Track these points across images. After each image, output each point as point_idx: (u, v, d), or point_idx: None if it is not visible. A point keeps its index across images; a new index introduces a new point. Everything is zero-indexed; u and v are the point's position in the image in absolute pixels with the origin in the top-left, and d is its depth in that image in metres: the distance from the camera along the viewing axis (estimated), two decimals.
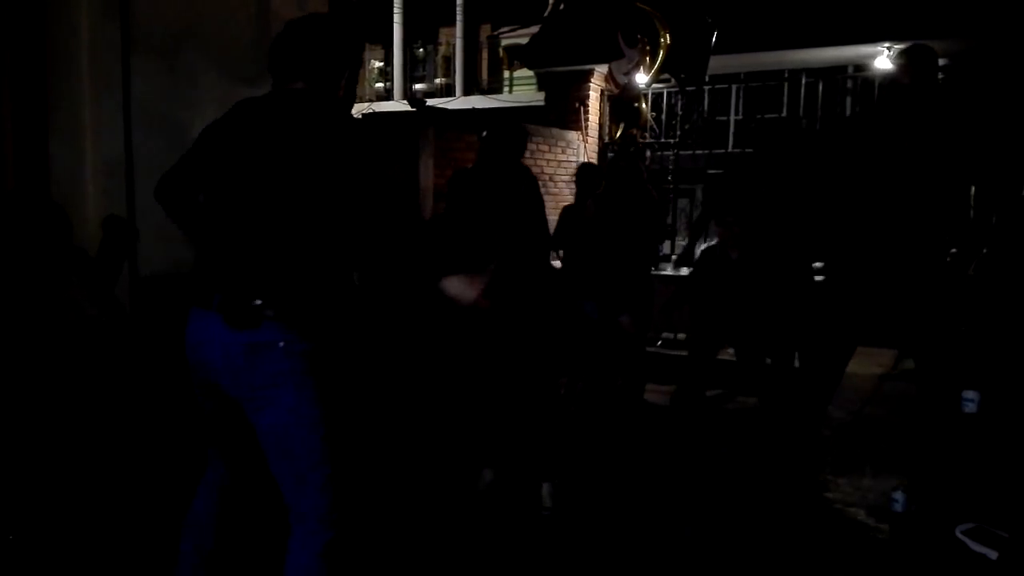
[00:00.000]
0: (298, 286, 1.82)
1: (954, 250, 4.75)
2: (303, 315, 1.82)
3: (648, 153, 7.88)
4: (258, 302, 1.77)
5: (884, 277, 3.08)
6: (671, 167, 7.92)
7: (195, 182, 2.05)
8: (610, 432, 4.52)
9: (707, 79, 6.16)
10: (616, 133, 7.26)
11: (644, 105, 7.58)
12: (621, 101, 6.90)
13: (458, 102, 13.43)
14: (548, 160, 8.25)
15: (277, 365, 1.79)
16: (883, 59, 7.26)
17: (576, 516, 3.25)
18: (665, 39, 6.83)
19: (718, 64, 7.12)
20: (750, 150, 5.22)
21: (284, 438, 1.84)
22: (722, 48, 6.43)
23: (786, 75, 8.50)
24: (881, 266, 3.09)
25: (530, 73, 10.58)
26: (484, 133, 4.06)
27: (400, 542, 2.91)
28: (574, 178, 5.43)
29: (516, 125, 4.21)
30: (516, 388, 4.02)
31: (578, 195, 5.26)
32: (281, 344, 1.79)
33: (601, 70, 8.64)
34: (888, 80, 3.14)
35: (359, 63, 2.12)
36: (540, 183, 4.38)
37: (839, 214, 3.29)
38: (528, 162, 7.54)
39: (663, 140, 8.27)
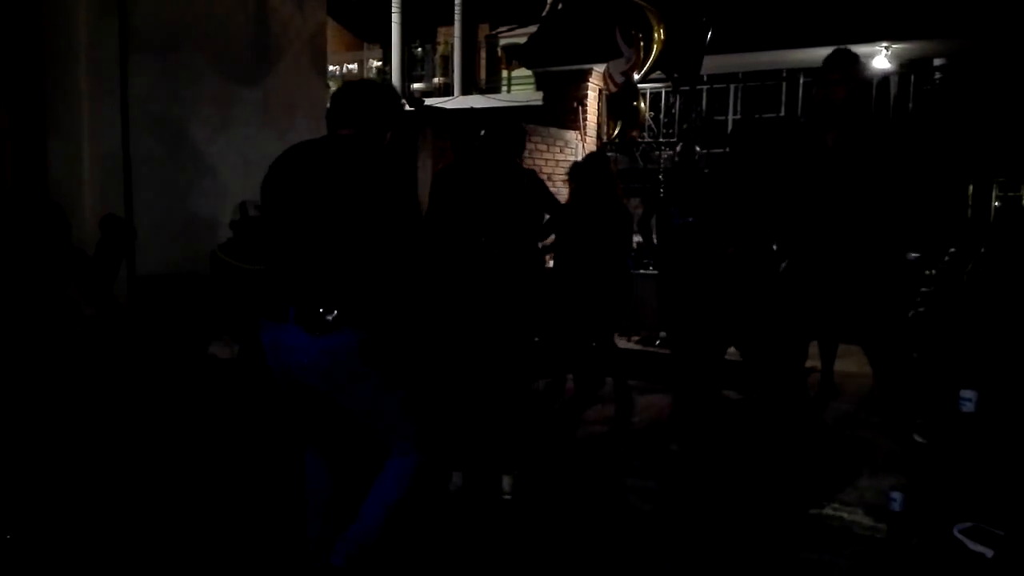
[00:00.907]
0: (360, 294, 2.16)
1: (952, 250, 4.76)
2: (367, 316, 2.16)
3: (638, 152, 7.88)
4: (332, 312, 2.11)
5: (830, 272, 3.22)
6: (668, 166, 7.92)
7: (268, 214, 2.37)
8: (607, 430, 4.52)
9: (704, 78, 6.16)
10: (614, 131, 7.26)
11: (643, 104, 7.58)
12: (618, 99, 6.89)
13: (456, 101, 13.43)
14: (546, 159, 8.26)
15: (355, 360, 2.15)
16: (881, 59, 7.27)
17: (537, 506, 3.29)
18: (659, 35, 6.83)
19: (716, 63, 7.14)
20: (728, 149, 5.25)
21: (373, 409, 2.28)
22: (720, 47, 6.44)
23: (784, 74, 8.51)
24: (826, 261, 3.23)
25: (528, 73, 10.58)
26: (482, 132, 4.06)
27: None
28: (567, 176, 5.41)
29: (515, 124, 4.21)
30: (492, 382, 4.03)
31: (572, 192, 5.24)
32: (355, 343, 2.13)
33: (599, 69, 8.65)
34: (821, 87, 3.22)
35: (401, 122, 2.48)
36: None
37: (789, 213, 3.44)
38: (527, 161, 7.55)
39: (660, 140, 8.28)
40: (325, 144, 2.31)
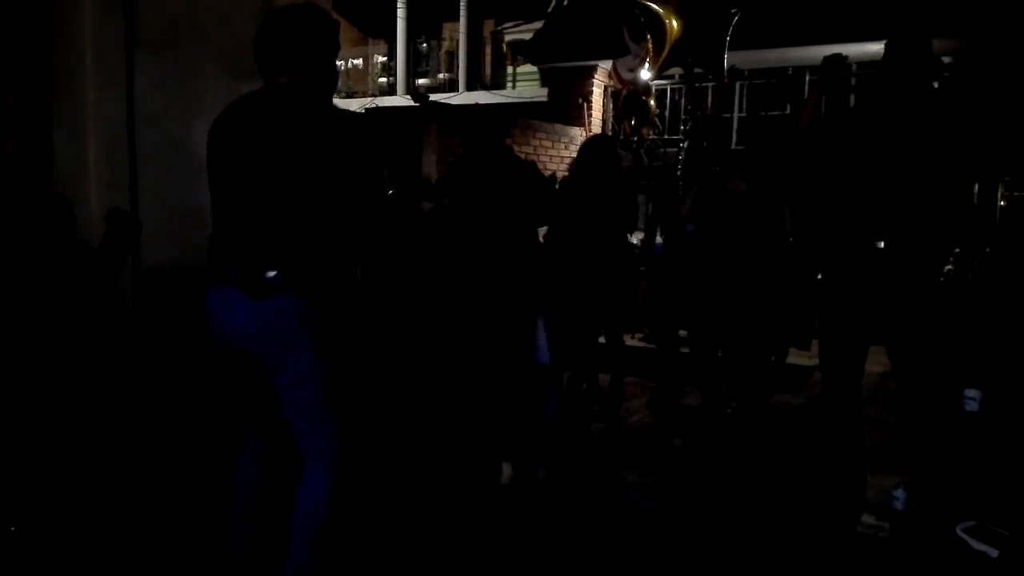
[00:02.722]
0: (304, 258, 2.02)
1: (957, 250, 4.71)
2: (312, 283, 2.02)
3: (643, 149, 7.87)
4: (271, 273, 1.98)
5: (880, 274, 3.02)
6: (675, 163, 7.90)
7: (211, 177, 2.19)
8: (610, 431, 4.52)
9: (725, 74, 6.12)
10: (629, 130, 7.24)
11: (651, 102, 7.57)
12: (633, 97, 6.87)
13: (461, 97, 13.44)
14: (551, 156, 8.26)
15: (294, 328, 2.01)
16: None
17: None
18: (673, 30, 6.80)
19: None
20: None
21: (298, 393, 2.07)
22: (729, 44, 6.42)
23: (790, 72, 8.49)
24: (876, 260, 3.03)
25: (533, 69, 10.59)
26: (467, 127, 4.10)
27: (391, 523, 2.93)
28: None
29: (493, 115, 4.22)
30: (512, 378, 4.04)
31: (574, 175, 5.18)
32: (296, 309, 2.00)
33: (605, 66, 8.64)
34: (880, 71, 3.03)
35: (337, 48, 2.24)
36: None
37: (835, 209, 3.22)
38: (531, 157, 7.56)
39: (667, 136, 8.26)
40: (261, 97, 2.10)
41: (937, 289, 3.08)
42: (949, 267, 5.29)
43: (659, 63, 6.46)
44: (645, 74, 7.11)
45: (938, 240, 3.00)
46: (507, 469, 3.55)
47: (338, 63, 2.32)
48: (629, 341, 5.94)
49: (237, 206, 2.07)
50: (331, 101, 2.14)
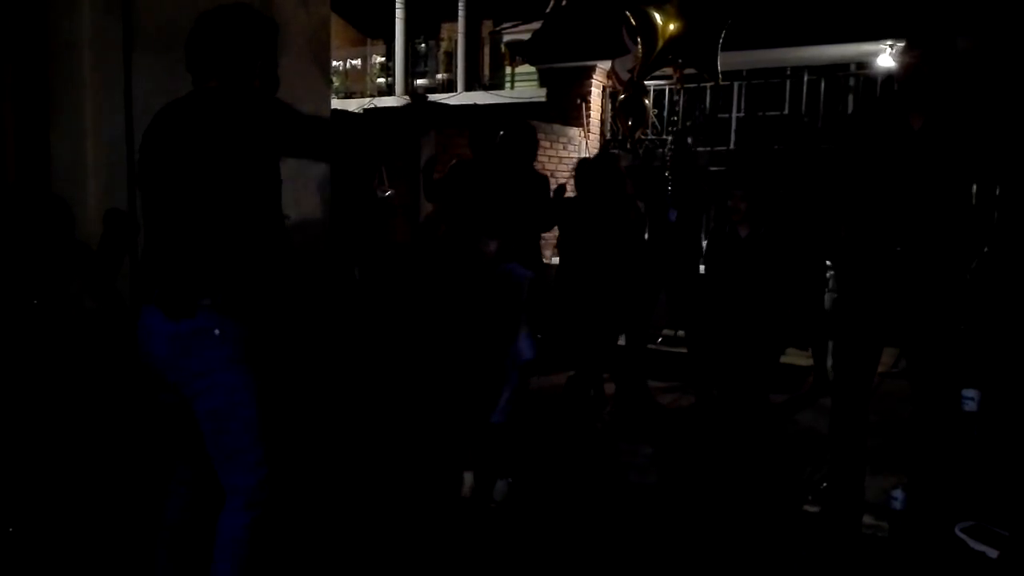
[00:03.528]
0: (227, 275, 1.93)
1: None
2: (235, 302, 1.94)
3: (641, 150, 7.86)
4: (191, 292, 1.90)
5: (898, 274, 2.98)
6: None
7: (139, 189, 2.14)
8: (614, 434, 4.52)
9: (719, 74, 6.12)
10: (628, 131, 7.24)
11: (648, 102, 7.55)
12: (630, 98, 6.87)
13: (459, 98, 13.41)
14: (549, 156, 8.25)
15: (213, 351, 1.92)
16: (885, 57, 7.25)
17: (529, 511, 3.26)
18: (663, 34, 6.78)
19: (720, 61, 7.10)
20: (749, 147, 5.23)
21: (219, 420, 1.96)
22: (724, 45, 6.41)
23: (788, 72, 8.48)
24: (895, 263, 2.98)
25: (532, 69, 10.57)
26: (500, 133, 4.03)
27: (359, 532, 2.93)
28: (573, 174, 5.41)
29: (528, 127, 4.19)
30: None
31: (577, 190, 5.23)
32: (216, 331, 1.91)
33: (603, 66, 8.63)
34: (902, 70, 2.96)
35: (273, 51, 2.18)
36: None
37: (855, 210, 3.15)
38: None
39: (663, 137, 8.26)
40: (185, 104, 2.03)
41: (961, 290, 3.07)
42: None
43: (648, 65, 6.45)
44: (640, 74, 7.09)
45: (963, 241, 2.99)
46: (468, 479, 3.47)
47: (336, 63, 2.28)
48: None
49: (159, 219, 1.99)
50: (256, 107, 2.04)
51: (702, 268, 5.41)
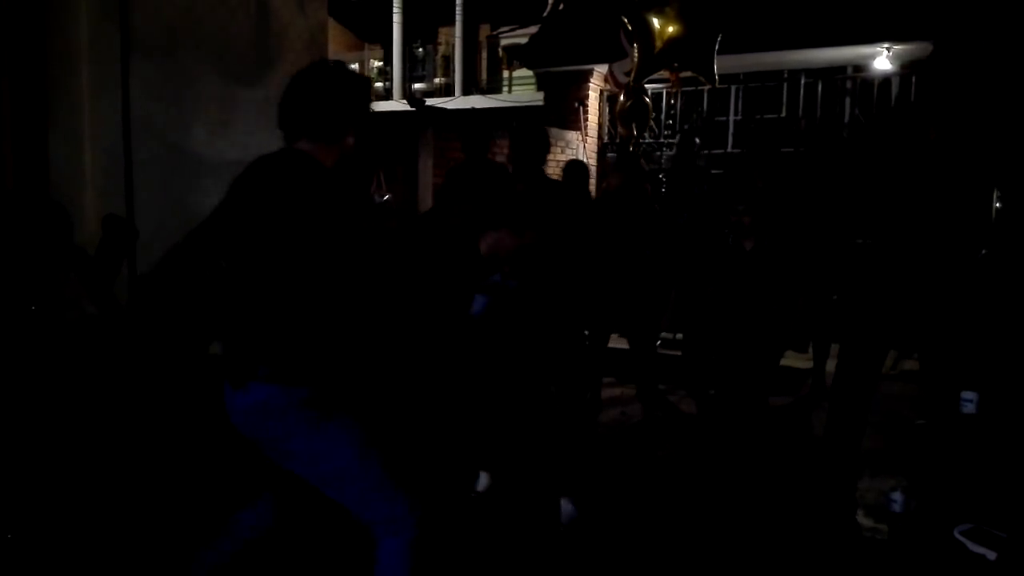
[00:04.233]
0: (291, 344, 1.85)
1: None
2: (299, 369, 1.85)
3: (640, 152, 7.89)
4: (253, 363, 1.83)
5: (913, 276, 2.97)
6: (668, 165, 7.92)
7: (214, 246, 2.05)
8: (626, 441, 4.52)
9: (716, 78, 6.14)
10: (630, 136, 7.26)
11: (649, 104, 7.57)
12: (636, 104, 6.89)
13: (457, 102, 13.42)
14: (548, 159, 8.25)
15: (285, 420, 1.85)
16: (882, 59, 7.26)
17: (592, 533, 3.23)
18: (660, 37, 6.80)
19: (718, 64, 7.12)
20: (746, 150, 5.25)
21: (324, 479, 1.91)
22: (722, 48, 6.43)
23: (785, 75, 8.50)
24: (910, 265, 2.97)
25: (529, 73, 10.59)
26: (514, 125, 4.02)
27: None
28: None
29: (540, 129, 4.19)
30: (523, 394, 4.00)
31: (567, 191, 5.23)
32: (283, 401, 1.84)
33: (600, 70, 8.64)
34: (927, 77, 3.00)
35: (367, 112, 2.08)
36: None
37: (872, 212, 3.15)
38: None
39: (661, 140, 8.28)
40: (274, 165, 1.96)
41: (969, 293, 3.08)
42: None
43: (644, 68, 6.46)
44: (631, 78, 7.11)
45: (978, 243, 3.00)
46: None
47: None
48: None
49: (227, 282, 1.94)
50: (341, 180, 1.98)
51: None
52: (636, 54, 6.02)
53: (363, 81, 2.12)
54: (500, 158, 6.37)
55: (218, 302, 1.96)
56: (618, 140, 8.10)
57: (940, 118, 2.88)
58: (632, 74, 6.33)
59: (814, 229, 4.88)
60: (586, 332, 4.88)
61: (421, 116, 7.72)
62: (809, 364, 5.52)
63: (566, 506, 3.23)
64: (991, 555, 2.66)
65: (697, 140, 5.45)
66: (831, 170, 4.66)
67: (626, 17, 5.98)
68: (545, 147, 4.06)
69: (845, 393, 3.12)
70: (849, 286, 3.63)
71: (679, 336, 6.11)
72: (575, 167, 5.53)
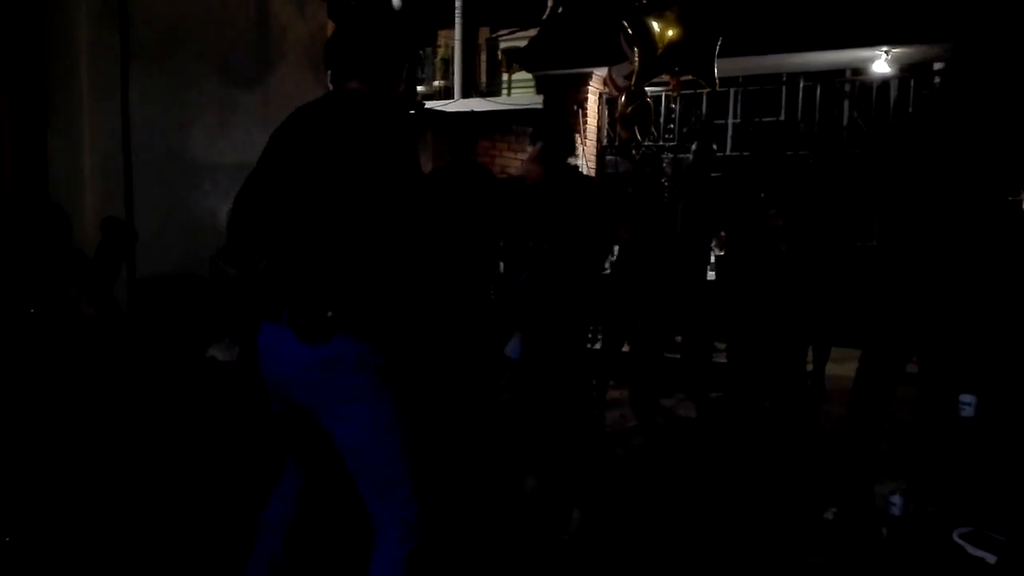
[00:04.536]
0: (368, 297, 1.80)
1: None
2: (374, 327, 1.80)
3: (638, 155, 7.90)
4: (329, 315, 1.76)
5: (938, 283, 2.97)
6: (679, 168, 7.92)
7: (264, 197, 1.96)
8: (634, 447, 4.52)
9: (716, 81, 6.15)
10: (632, 139, 7.26)
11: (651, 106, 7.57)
12: (640, 108, 6.90)
13: (456, 104, 13.40)
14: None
15: (352, 378, 1.79)
16: (881, 63, 7.27)
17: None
18: (662, 41, 6.81)
19: (717, 67, 7.12)
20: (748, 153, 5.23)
21: (362, 451, 1.84)
22: (721, 51, 6.44)
23: (784, 79, 8.51)
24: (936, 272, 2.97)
25: (528, 76, 10.58)
26: (534, 129, 3.98)
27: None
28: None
29: (566, 124, 4.16)
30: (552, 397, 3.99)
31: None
32: (354, 359, 1.78)
33: (600, 73, 8.63)
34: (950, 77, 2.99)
35: (416, 59, 2.07)
36: None
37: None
38: None
39: (660, 143, 8.28)
40: (327, 107, 1.88)
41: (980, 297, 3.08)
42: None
43: (645, 72, 6.47)
44: (633, 82, 7.12)
45: (990, 249, 3.00)
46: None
47: None
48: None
49: (292, 231, 1.83)
50: (404, 114, 1.96)
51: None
52: (637, 58, 6.02)
53: (411, 29, 2.10)
54: (501, 160, 6.38)
55: (289, 251, 1.84)
56: (617, 143, 8.10)
57: (953, 123, 2.89)
58: (633, 78, 6.34)
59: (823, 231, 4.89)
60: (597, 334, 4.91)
61: (420, 118, 7.72)
62: (809, 365, 5.52)
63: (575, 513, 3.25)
64: (990, 559, 2.66)
65: (715, 147, 5.45)
66: (835, 173, 4.67)
67: (627, 21, 5.98)
68: (570, 144, 4.00)
69: (865, 398, 3.14)
70: (863, 290, 3.62)
71: (679, 339, 6.11)
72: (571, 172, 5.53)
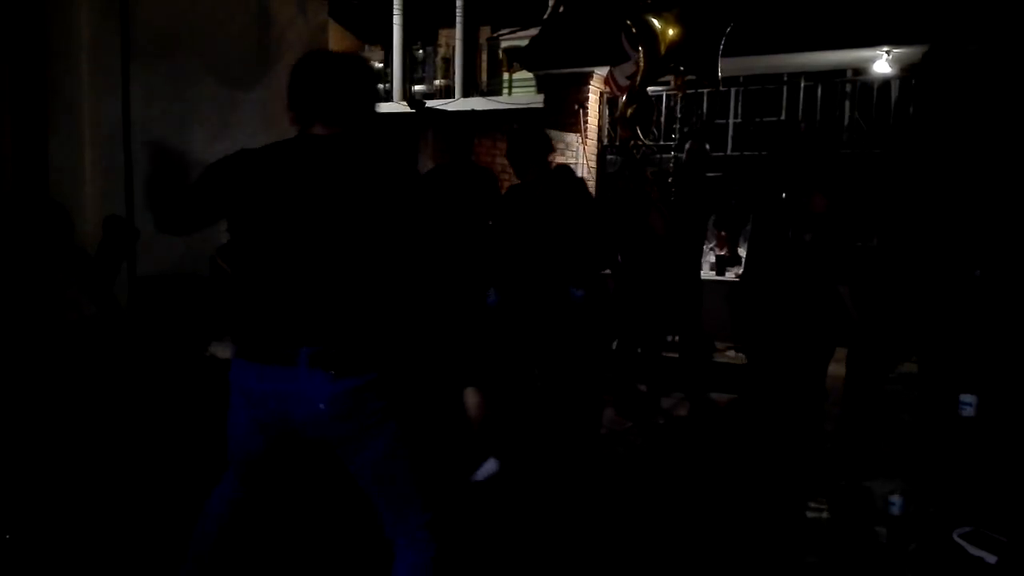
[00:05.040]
0: (379, 329, 1.86)
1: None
2: (394, 354, 1.88)
3: (639, 155, 7.89)
4: (356, 350, 1.82)
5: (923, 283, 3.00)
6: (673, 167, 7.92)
7: (216, 216, 1.99)
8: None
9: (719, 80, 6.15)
10: (632, 138, 7.25)
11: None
12: (642, 108, 6.89)
13: (457, 104, 13.41)
14: (547, 161, 8.26)
15: (379, 403, 1.86)
16: (882, 63, 7.27)
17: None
18: (665, 40, 6.80)
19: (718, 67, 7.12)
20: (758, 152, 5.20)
21: (387, 468, 1.91)
22: (722, 51, 6.45)
23: (785, 79, 8.50)
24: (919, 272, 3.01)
25: (529, 75, 10.59)
26: (514, 127, 4.00)
27: None
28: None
29: (539, 130, 4.19)
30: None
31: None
32: (377, 383, 1.85)
33: (600, 73, 8.64)
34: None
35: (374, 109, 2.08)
36: None
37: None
38: None
39: (662, 143, 8.28)
40: (317, 146, 1.87)
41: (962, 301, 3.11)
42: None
43: (650, 72, 6.47)
44: (638, 82, 7.11)
45: (975, 245, 3.02)
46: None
47: None
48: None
49: (298, 270, 1.82)
50: (395, 157, 1.99)
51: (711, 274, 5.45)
52: (642, 58, 6.03)
53: (373, 73, 2.10)
54: (501, 160, 6.37)
55: (305, 289, 1.84)
56: (618, 143, 8.10)
57: (937, 121, 2.90)
58: (636, 78, 6.34)
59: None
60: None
61: (421, 118, 7.72)
62: None
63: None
64: (990, 558, 2.66)
65: (708, 147, 5.43)
66: (834, 173, 4.64)
67: (630, 20, 5.98)
68: (546, 148, 4.03)
69: (858, 396, 3.17)
70: (856, 288, 3.61)
71: (676, 339, 6.12)
72: (562, 172, 5.56)
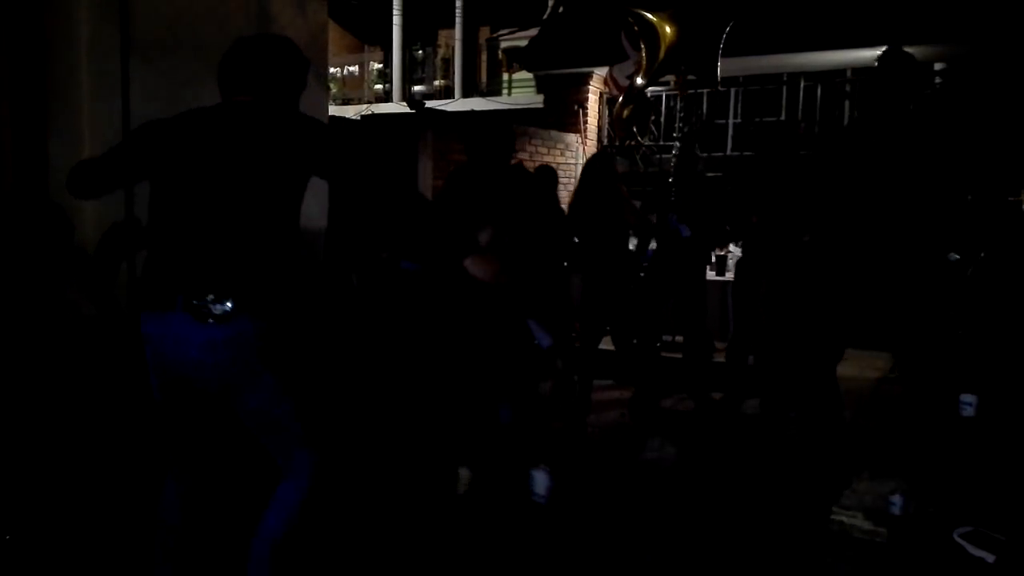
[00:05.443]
0: (259, 279, 1.96)
1: (956, 256, 4.73)
2: (266, 304, 1.97)
3: (639, 155, 7.89)
4: (226, 298, 1.90)
5: (875, 278, 3.05)
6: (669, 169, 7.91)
7: (129, 177, 2.27)
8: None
9: (718, 80, 6.15)
10: (623, 134, 7.24)
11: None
12: (639, 108, 6.89)
13: (457, 104, 13.41)
14: (547, 162, 8.27)
15: (256, 353, 1.96)
16: None
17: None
18: (665, 40, 6.81)
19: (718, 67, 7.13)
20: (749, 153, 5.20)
21: (269, 415, 2.06)
22: (722, 51, 6.45)
23: (785, 79, 8.52)
24: (872, 267, 3.06)
25: (529, 75, 10.59)
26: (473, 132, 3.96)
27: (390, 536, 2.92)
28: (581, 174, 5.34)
29: (504, 124, 4.14)
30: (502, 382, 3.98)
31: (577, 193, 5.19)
32: (250, 334, 1.93)
33: (600, 73, 8.65)
34: (874, 84, 3.10)
35: (303, 86, 2.27)
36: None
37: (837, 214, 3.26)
38: (527, 164, 7.56)
39: (662, 143, 8.29)
40: (221, 112, 2.07)
41: (938, 292, 3.13)
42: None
43: (652, 71, 6.47)
44: (639, 81, 7.12)
45: (931, 246, 3.04)
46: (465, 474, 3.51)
47: (334, 70, 2.33)
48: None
49: (186, 223, 1.98)
50: (294, 114, 2.13)
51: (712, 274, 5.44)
52: (644, 58, 6.04)
53: (304, 59, 2.27)
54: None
55: (180, 239, 1.99)
56: (617, 143, 8.11)
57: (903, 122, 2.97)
58: (636, 77, 6.35)
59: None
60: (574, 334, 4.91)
61: (421, 118, 7.72)
62: None
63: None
64: (990, 558, 2.67)
65: (698, 148, 5.42)
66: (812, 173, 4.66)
67: (632, 19, 5.99)
68: (510, 144, 3.96)
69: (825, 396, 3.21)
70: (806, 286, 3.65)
71: (679, 339, 6.11)
72: (543, 172, 5.59)
